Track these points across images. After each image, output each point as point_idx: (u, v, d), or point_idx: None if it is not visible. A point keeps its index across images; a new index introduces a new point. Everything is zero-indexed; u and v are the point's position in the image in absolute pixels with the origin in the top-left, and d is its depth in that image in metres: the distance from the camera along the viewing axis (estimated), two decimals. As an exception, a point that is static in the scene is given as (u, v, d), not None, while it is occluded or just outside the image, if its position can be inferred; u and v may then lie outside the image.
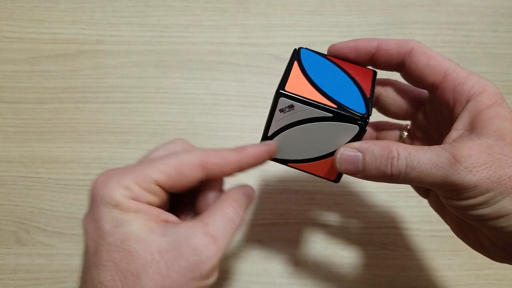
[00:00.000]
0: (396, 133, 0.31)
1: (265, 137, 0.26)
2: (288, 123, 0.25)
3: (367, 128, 0.30)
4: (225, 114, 0.42)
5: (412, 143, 0.30)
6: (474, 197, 0.21)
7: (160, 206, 0.24)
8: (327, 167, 0.26)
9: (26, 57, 0.44)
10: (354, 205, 0.39)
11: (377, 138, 0.31)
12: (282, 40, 0.45)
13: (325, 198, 0.40)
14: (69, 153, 0.41)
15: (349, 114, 0.23)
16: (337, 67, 0.26)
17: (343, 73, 0.26)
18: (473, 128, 0.22)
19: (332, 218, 0.39)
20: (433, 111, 0.27)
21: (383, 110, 0.30)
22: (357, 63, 0.27)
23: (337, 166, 0.24)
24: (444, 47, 0.44)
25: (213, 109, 0.42)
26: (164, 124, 0.42)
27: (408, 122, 0.30)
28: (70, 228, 0.39)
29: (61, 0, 0.46)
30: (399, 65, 0.26)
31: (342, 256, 0.38)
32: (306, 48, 0.27)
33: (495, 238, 0.23)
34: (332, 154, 0.25)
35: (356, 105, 0.24)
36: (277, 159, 0.27)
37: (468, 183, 0.20)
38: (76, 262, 0.38)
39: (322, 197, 0.40)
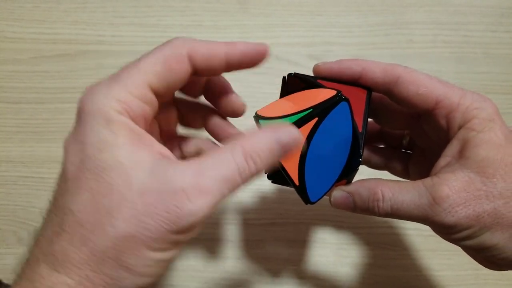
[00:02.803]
0: (398, 135, 0.31)
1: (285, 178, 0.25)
2: (299, 157, 0.23)
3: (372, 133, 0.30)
4: (225, 114, 0.42)
5: (412, 147, 0.30)
6: (456, 233, 0.22)
7: (150, 120, 0.21)
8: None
9: (27, 57, 0.44)
10: (354, 205, 0.39)
11: (382, 138, 0.32)
12: (282, 40, 0.45)
13: (325, 198, 0.40)
14: (70, 153, 0.41)
15: (327, 100, 0.22)
16: (293, 97, 0.25)
17: (321, 89, 0.24)
18: (460, 157, 0.22)
19: (331, 218, 0.39)
20: (429, 128, 0.26)
21: (380, 123, 0.30)
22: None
23: (333, 206, 0.26)
24: (444, 47, 0.44)
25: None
26: (164, 124, 0.42)
27: None
28: (71, 228, 0.39)
29: (62, 1, 0.46)
30: (386, 93, 0.25)
31: (342, 256, 0.38)
32: (295, 74, 0.25)
33: (490, 260, 0.24)
34: (338, 180, 0.25)
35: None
36: (321, 197, 0.26)
37: (448, 223, 0.21)
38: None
39: (322, 197, 0.40)
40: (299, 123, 0.21)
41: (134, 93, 0.19)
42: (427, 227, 0.23)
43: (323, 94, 0.22)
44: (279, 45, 0.44)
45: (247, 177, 0.19)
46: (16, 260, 0.21)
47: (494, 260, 0.23)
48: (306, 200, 0.25)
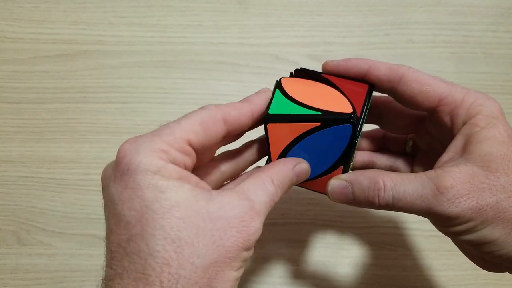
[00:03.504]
0: (402, 140, 0.31)
1: (268, 162, 0.26)
2: (286, 145, 0.24)
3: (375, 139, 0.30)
4: (225, 114, 0.42)
5: (415, 152, 0.30)
6: (457, 225, 0.22)
7: (191, 170, 0.23)
8: (325, 183, 0.26)
9: (27, 57, 0.44)
10: (354, 205, 0.40)
11: (385, 147, 0.32)
12: (282, 40, 0.45)
13: (325, 198, 0.39)
14: (70, 153, 0.41)
15: (336, 116, 0.23)
16: (329, 85, 0.25)
17: (335, 91, 0.25)
18: (463, 152, 0.23)
19: (332, 218, 0.39)
20: (433, 128, 0.27)
21: (385, 127, 0.30)
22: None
23: (330, 197, 0.25)
24: (444, 47, 0.44)
25: (213, 109, 0.42)
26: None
27: None
28: (70, 228, 0.39)
29: (62, 1, 0.46)
30: (391, 91, 0.25)
31: (342, 256, 0.38)
32: (301, 68, 0.27)
33: (486, 255, 0.24)
34: (332, 169, 0.25)
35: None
36: None
37: (450, 214, 0.21)
38: (76, 262, 0.38)
39: (322, 197, 0.39)
40: (302, 118, 0.23)
41: (175, 146, 0.21)
42: (427, 227, 0.23)
43: (340, 103, 0.23)
44: (279, 45, 0.44)
45: (277, 201, 0.23)
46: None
47: (491, 257, 0.23)
48: (342, 116, 0.23)
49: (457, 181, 0.21)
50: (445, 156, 0.23)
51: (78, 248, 0.38)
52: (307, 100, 0.24)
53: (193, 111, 0.23)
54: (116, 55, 0.44)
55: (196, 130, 0.22)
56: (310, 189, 0.28)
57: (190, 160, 0.22)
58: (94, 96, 0.43)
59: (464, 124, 0.23)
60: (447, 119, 0.24)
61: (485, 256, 0.23)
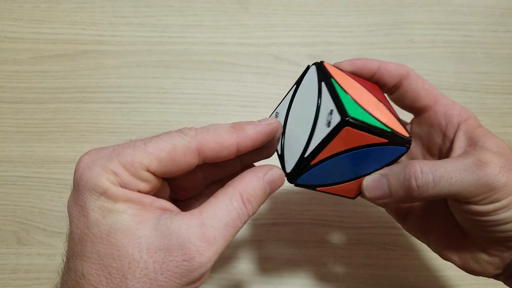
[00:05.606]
0: None
1: (305, 164, 0.22)
2: (342, 150, 0.22)
3: None
4: (225, 114, 0.42)
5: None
6: (501, 199, 0.21)
7: (153, 193, 0.21)
8: (353, 187, 0.25)
9: (26, 57, 0.44)
10: (354, 205, 0.39)
11: None
12: (282, 40, 0.45)
13: (325, 198, 0.40)
14: (70, 153, 0.41)
15: (401, 138, 0.23)
16: (358, 83, 0.25)
17: (368, 92, 0.25)
18: (473, 144, 0.24)
19: (332, 218, 0.39)
20: (419, 128, 0.28)
21: None
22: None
23: (366, 194, 0.24)
24: (444, 47, 0.44)
25: (213, 109, 0.42)
26: (164, 124, 0.42)
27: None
28: (70, 228, 0.39)
29: (61, 0, 0.46)
30: (395, 86, 0.27)
31: (342, 256, 0.38)
32: (321, 63, 0.25)
33: (493, 245, 0.24)
34: (365, 175, 0.25)
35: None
36: (307, 185, 0.24)
37: (499, 182, 0.21)
38: (76, 262, 0.38)
39: (322, 197, 0.40)
40: (377, 132, 0.22)
41: (130, 170, 0.20)
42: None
43: (393, 121, 0.23)
44: (279, 45, 0.44)
45: (246, 219, 0.21)
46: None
47: (501, 242, 0.23)
48: (404, 139, 0.23)
49: (493, 156, 0.22)
50: (457, 151, 0.24)
51: (78, 248, 0.38)
52: (370, 108, 0.22)
53: (169, 133, 0.21)
54: (116, 55, 0.44)
55: (161, 157, 0.20)
56: (335, 194, 0.26)
57: (146, 185, 0.20)
58: (94, 96, 0.42)
59: (459, 124, 0.25)
60: (441, 119, 0.26)
61: (495, 240, 0.23)
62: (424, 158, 0.28)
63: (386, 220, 0.39)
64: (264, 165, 0.23)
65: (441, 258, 0.27)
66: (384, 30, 0.45)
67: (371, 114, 0.22)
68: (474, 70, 0.44)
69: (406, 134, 0.23)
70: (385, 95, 0.28)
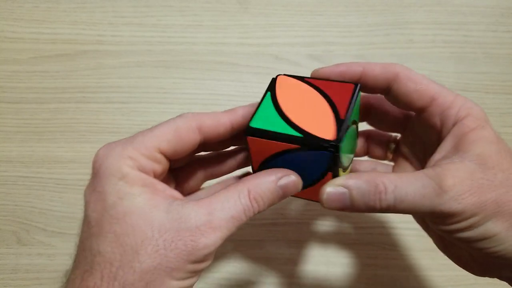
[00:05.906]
0: (385, 143, 0.31)
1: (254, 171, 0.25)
2: (267, 157, 0.24)
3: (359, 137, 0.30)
4: (225, 114, 0.42)
5: (396, 158, 0.31)
6: (460, 222, 0.22)
7: (163, 175, 0.24)
8: (316, 191, 0.24)
9: (26, 57, 0.44)
10: (354, 205, 0.40)
11: (368, 149, 0.32)
12: (282, 40, 0.45)
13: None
14: (70, 153, 0.41)
15: (316, 142, 0.22)
16: (313, 89, 0.25)
17: (319, 95, 0.25)
18: (457, 151, 0.23)
19: (332, 218, 0.39)
20: (420, 129, 0.27)
21: (373, 124, 0.30)
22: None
23: (325, 205, 0.23)
24: (444, 47, 0.44)
25: (213, 109, 0.42)
26: (164, 124, 0.42)
27: (398, 134, 0.30)
28: (70, 228, 0.39)
29: (61, 0, 0.46)
30: (385, 90, 0.26)
31: (342, 256, 0.38)
32: (284, 74, 0.26)
33: (478, 257, 0.24)
34: (320, 177, 0.24)
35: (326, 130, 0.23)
36: None
37: (455, 211, 0.21)
38: (76, 262, 0.38)
39: (322, 197, 0.40)
40: (283, 137, 0.22)
41: (145, 153, 0.22)
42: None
43: (324, 121, 0.23)
44: (279, 45, 0.44)
45: (251, 215, 0.22)
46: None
47: (487, 256, 0.23)
48: (323, 143, 0.23)
49: (458, 179, 0.21)
50: (437, 155, 0.24)
51: (78, 248, 0.38)
52: (293, 112, 0.23)
53: (170, 119, 0.24)
54: (116, 55, 0.44)
55: (169, 138, 0.23)
56: (302, 198, 0.27)
57: (160, 167, 0.23)
58: (94, 96, 0.43)
59: (454, 125, 0.24)
60: (436, 120, 0.25)
61: (481, 255, 0.23)
62: (424, 158, 0.27)
63: (386, 220, 0.39)
64: (283, 169, 0.24)
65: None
66: (384, 30, 0.45)
67: (289, 122, 0.23)
68: (474, 70, 0.44)
69: (330, 138, 0.22)
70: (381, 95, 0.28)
